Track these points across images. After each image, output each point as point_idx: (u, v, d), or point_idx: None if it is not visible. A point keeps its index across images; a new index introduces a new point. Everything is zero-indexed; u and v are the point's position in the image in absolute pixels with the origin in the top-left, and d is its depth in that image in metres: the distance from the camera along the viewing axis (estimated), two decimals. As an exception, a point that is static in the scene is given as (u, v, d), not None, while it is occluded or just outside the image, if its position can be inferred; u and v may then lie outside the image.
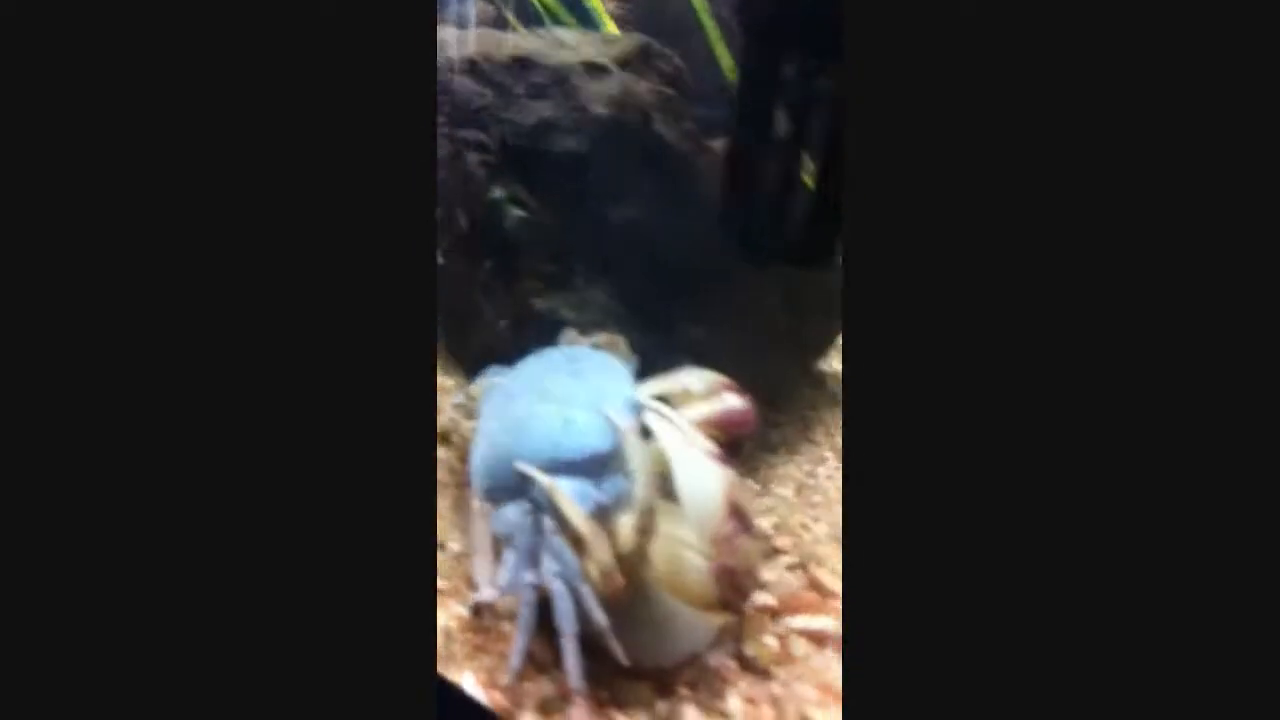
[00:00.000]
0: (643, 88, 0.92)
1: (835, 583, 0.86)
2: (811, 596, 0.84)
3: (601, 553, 0.67)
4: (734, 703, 0.73)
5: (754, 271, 1.00)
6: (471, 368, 0.95)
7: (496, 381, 0.82)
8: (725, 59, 0.92)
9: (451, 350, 0.99)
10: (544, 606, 0.69)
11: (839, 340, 1.34)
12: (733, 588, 0.68)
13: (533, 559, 0.69)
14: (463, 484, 0.90)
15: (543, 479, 0.68)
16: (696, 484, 0.69)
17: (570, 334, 0.87)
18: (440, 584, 0.83)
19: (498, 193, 0.92)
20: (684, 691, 0.74)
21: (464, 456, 0.92)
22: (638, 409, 0.73)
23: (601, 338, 0.85)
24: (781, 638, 0.80)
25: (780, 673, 0.76)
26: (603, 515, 0.69)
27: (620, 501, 0.69)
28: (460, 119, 0.91)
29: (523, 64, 0.92)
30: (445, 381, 1.03)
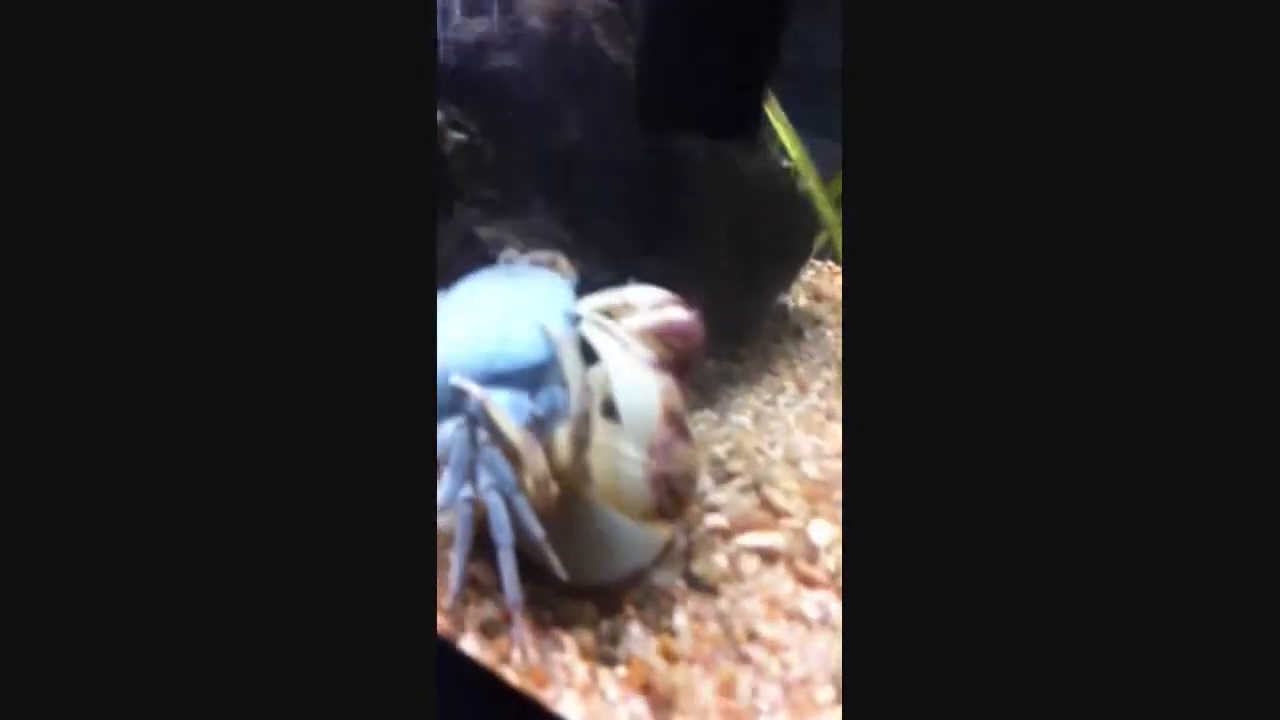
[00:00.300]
0: (584, 3, 0.89)
1: (786, 502, 0.84)
2: (763, 515, 0.83)
3: (536, 464, 0.65)
4: (681, 620, 0.72)
5: (708, 200, 0.97)
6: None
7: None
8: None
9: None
10: (484, 527, 0.67)
11: (802, 276, 1.32)
12: (670, 495, 0.66)
13: (468, 474, 0.67)
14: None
15: (476, 391, 0.66)
16: (633, 392, 0.67)
17: (510, 251, 0.85)
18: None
19: (438, 116, 0.89)
20: (629, 610, 0.72)
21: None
22: (575, 321, 0.71)
23: (542, 255, 0.82)
24: (731, 557, 0.78)
25: (728, 590, 0.75)
26: (537, 427, 0.66)
27: (555, 413, 0.67)
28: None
29: (459, -21, 0.89)
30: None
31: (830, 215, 1.07)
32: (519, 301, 0.72)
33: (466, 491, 0.66)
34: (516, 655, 0.66)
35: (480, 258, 0.90)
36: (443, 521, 0.70)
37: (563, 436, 0.66)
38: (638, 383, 0.67)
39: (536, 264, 0.81)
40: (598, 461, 0.67)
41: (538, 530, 0.64)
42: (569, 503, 0.67)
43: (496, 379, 0.68)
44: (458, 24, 0.88)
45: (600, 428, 0.67)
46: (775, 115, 1.01)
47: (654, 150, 0.93)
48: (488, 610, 0.72)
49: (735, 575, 0.76)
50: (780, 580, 0.75)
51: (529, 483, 0.65)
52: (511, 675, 0.66)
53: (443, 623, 0.70)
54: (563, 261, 0.82)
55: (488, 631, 0.70)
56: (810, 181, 1.03)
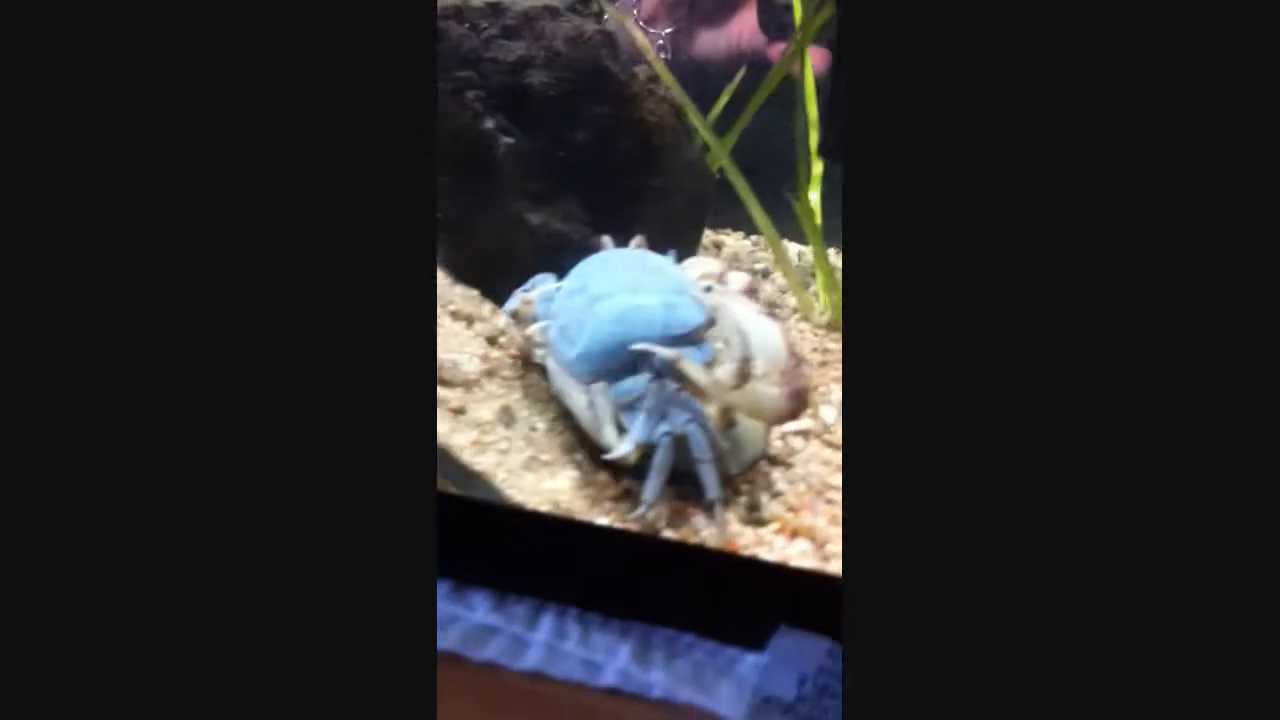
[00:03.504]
0: (590, 28, 1.04)
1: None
2: (785, 409, 1.12)
3: (718, 398, 0.86)
4: (782, 485, 0.99)
5: (669, 180, 1.19)
6: (472, 277, 1.05)
7: (562, 287, 0.93)
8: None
9: (451, 264, 1.04)
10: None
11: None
12: (802, 403, 0.92)
13: (662, 414, 0.86)
14: (525, 377, 1.00)
15: (665, 351, 0.85)
16: (763, 335, 0.91)
17: (605, 240, 1.00)
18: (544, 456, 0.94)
19: (489, 123, 0.99)
20: (746, 488, 0.97)
21: (519, 356, 1.02)
22: (706, 288, 0.92)
23: (636, 240, 1.00)
24: (784, 440, 1.06)
25: (794, 460, 1.03)
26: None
27: (715, 360, 0.89)
28: (454, 61, 0.95)
29: (494, 8, 0.98)
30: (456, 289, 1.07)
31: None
32: (663, 278, 0.91)
33: (665, 428, 0.86)
34: (710, 535, 0.88)
35: (530, 243, 1.04)
36: (632, 457, 0.87)
37: (727, 374, 0.88)
38: (765, 327, 0.91)
39: (640, 247, 0.98)
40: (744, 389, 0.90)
41: (724, 444, 0.87)
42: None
43: (670, 341, 0.87)
44: (499, 46, 0.98)
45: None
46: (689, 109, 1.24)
47: (637, 143, 1.12)
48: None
49: (791, 451, 1.05)
50: (821, 450, 1.06)
51: (714, 412, 0.87)
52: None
53: (635, 527, 0.89)
54: (644, 240, 1.00)
55: (672, 523, 0.90)
56: (723, 160, 1.28)
